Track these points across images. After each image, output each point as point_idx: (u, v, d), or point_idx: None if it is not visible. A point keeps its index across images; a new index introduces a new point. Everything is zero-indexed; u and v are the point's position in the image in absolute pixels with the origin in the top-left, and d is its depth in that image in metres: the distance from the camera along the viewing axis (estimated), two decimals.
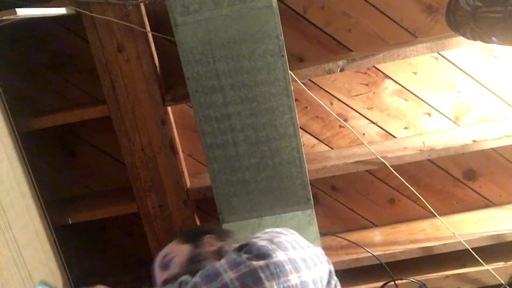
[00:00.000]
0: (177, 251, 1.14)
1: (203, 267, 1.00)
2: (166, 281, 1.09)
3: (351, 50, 1.75)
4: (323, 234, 1.75)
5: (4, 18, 1.27)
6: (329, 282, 0.95)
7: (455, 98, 1.80)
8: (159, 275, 1.13)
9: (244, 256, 0.86)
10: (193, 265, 1.06)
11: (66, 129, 1.85)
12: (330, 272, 0.97)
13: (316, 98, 1.63)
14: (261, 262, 0.84)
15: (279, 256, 0.85)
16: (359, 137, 1.72)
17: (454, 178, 1.87)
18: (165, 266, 1.12)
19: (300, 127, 1.82)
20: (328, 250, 1.83)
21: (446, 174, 1.87)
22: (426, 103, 1.81)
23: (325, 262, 0.96)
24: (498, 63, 1.75)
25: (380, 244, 1.82)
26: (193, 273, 0.97)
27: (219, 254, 1.11)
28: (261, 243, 0.87)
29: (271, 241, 0.88)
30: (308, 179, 1.49)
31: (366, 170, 1.85)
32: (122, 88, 1.65)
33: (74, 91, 1.84)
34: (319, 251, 0.97)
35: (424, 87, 1.79)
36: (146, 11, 1.63)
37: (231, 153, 1.48)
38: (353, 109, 1.83)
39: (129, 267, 2.02)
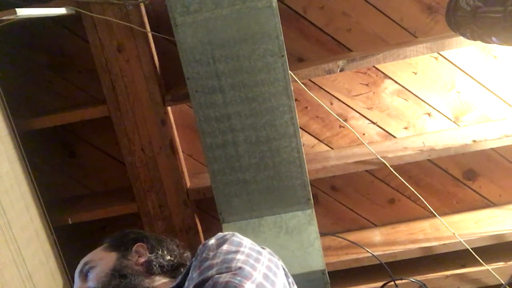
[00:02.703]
0: (100, 260, 1.05)
1: (128, 283, 0.95)
2: None
3: (351, 50, 1.75)
4: (323, 234, 1.75)
5: (4, 18, 1.27)
6: (288, 282, 0.88)
7: (455, 98, 1.80)
8: (77, 285, 1.04)
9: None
10: (116, 280, 0.98)
11: (66, 129, 1.85)
12: (284, 269, 0.89)
13: (316, 98, 1.63)
14: None
15: None
16: (359, 137, 1.72)
17: (454, 178, 1.87)
18: (85, 276, 1.04)
19: (300, 127, 1.82)
20: (328, 250, 1.83)
21: (446, 174, 1.87)
22: (426, 103, 1.81)
23: (276, 261, 0.88)
24: (498, 63, 1.75)
25: (380, 244, 1.82)
26: None
27: (147, 268, 1.04)
28: (224, 278, 0.75)
29: (230, 270, 0.77)
30: (308, 179, 1.49)
31: (366, 170, 1.85)
32: (122, 88, 1.65)
33: (74, 91, 1.84)
34: (267, 252, 0.89)
35: (424, 87, 1.79)
36: (146, 11, 1.63)
37: (231, 153, 1.48)
38: (353, 109, 1.83)
39: None
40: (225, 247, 0.83)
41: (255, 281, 0.76)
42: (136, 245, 1.09)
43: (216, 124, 1.46)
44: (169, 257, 1.08)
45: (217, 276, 0.76)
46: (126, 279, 0.98)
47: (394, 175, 1.62)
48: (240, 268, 0.77)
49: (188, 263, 1.09)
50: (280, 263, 0.90)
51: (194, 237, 1.81)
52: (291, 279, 0.91)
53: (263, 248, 0.90)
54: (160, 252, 1.08)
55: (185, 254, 1.14)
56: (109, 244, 1.12)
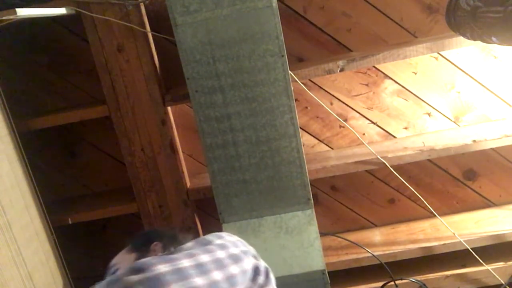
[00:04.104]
0: (122, 262, 1.13)
1: None
2: None
3: (351, 50, 1.75)
4: (323, 234, 1.75)
5: (4, 18, 1.27)
6: (254, 278, 0.93)
7: (455, 98, 1.80)
8: None
9: (120, 273, 0.83)
10: None
11: (66, 129, 1.85)
12: (255, 268, 0.95)
13: (316, 98, 1.63)
14: (135, 277, 0.80)
15: (158, 269, 0.81)
16: (359, 137, 1.72)
17: (454, 178, 1.87)
18: None
19: (300, 127, 1.82)
20: (328, 250, 1.83)
21: (446, 174, 1.87)
22: (426, 103, 1.81)
23: (245, 260, 0.94)
24: (498, 63, 1.75)
25: (380, 244, 1.82)
26: None
27: None
28: (142, 260, 0.84)
29: (162, 257, 0.86)
30: (308, 179, 1.49)
31: (366, 170, 1.85)
32: (122, 88, 1.65)
33: (74, 91, 1.84)
34: (238, 250, 0.95)
35: (424, 87, 1.79)
36: (146, 11, 1.63)
37: (231, 153, 1.48)
38: (353, 109, 1.83)
39: None
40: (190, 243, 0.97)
41: (175, 265, 0.83)
42: (153, 244, 1.15)
43: (216, 124, 1.46)
44: None
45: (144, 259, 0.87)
46: None
47: (394, 175, 1.62)
48: (170, 256, 0.87)
49: None
50: (258, 262, 0.97)
51: (194, 237, 1.81)
52: (263, 278, 0.95)
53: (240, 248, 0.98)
54: (174, 248, 1.12)
55: None
56: (131, 246, 1.19)
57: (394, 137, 1.85)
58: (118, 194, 1.90)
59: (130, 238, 1.23)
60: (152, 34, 1.64)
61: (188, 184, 1.81)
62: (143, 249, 1.14)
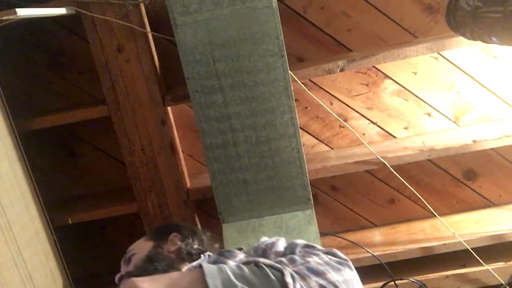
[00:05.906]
0: (139, 248, 1.21)
1: (158, 267, 1.08)
2: (121, 278, 1.16)
3: (351, 50, 1.75)
4: (323, 234, 1.75)
5: (4, 18, 1.27)
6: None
7: (455, 98, 1.80)
8: (122, 269, 1.21)
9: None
10: (148, 264, 1.13)
11: (66, 129, 1.85)
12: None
13: (316, 98, 1.63)
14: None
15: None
16: (359, 137, 1.72)
17: (454, 178, 1.87)
18: (127, 261, 1.20)
19: (300, 127, 1.82)
20: None
21: (446, 174, 1.87)
22: (426, 103, 1.81)
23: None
24: (498, 63, 1.75)
25: (380, 244, 1.82)
26: (146, 273, 1.03)
27: (177, 254, 1.17)
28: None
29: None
30: (308, 179, 1.49)
31: (366, 170, 1.85)
32: (122, 88, 1.65)
33: (74, 91, 1.84)
34: None
35: (424, 87, 1.79)
36: (146, 11, 1.63)
37: (231, 153, 1.48)
38: (353, 109, 1.83)
39: None
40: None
41: None
42: (171, 235, 1.23)
43: (216, 124, 1.46)
44: (196, 246, 1.21)
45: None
46: (156, 263, 1.12)
47: (394, 175, 1.62)
48: None
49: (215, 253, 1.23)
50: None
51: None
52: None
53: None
54: (190, 241, 1.22)
55: (215, 245, 1.29)
56: (149, 235, 1.27)
57: (394, 137, 1.85)
58: (118, 194, 1.89)
59: (149, 229, 1.31)
60: (152, 34, 1.64)
61: (188, 184, 1.81)
62: (161, 238, 1.22)
